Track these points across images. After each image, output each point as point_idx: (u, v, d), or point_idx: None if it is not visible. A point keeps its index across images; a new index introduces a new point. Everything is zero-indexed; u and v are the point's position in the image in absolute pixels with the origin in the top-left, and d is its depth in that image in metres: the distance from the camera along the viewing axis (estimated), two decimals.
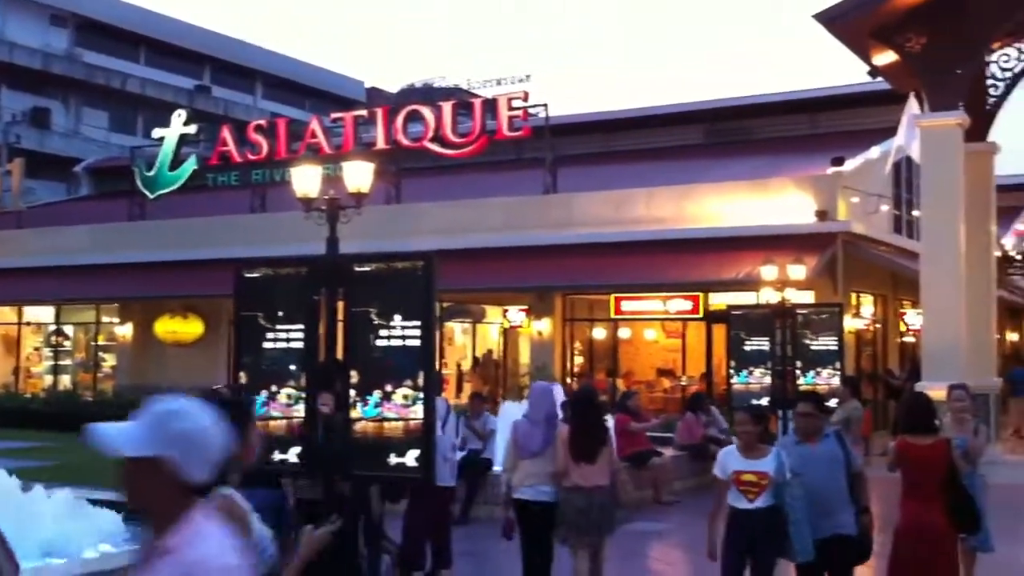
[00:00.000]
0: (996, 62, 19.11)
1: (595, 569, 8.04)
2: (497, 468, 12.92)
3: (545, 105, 23.40)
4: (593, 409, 8.48)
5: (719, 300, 20.41)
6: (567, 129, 26.28)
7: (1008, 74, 19.08)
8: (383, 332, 6.83)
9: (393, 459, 6.69)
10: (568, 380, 22.24)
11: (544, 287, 22.21)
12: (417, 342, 6.73)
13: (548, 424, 8.13)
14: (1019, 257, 31.70)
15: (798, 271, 15.35)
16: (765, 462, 6.92)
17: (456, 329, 26.71)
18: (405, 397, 6.80)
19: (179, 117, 28.19)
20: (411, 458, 6.68)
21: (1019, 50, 18.84)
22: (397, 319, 6.79)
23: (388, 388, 6.82)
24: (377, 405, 6.83)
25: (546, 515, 7.91)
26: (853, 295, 21.64)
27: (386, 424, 6.80)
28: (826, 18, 17.20)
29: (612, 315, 22.43)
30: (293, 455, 6.93)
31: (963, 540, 7.79)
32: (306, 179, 8.48)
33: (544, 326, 22.92)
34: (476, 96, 24.27)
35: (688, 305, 21.23)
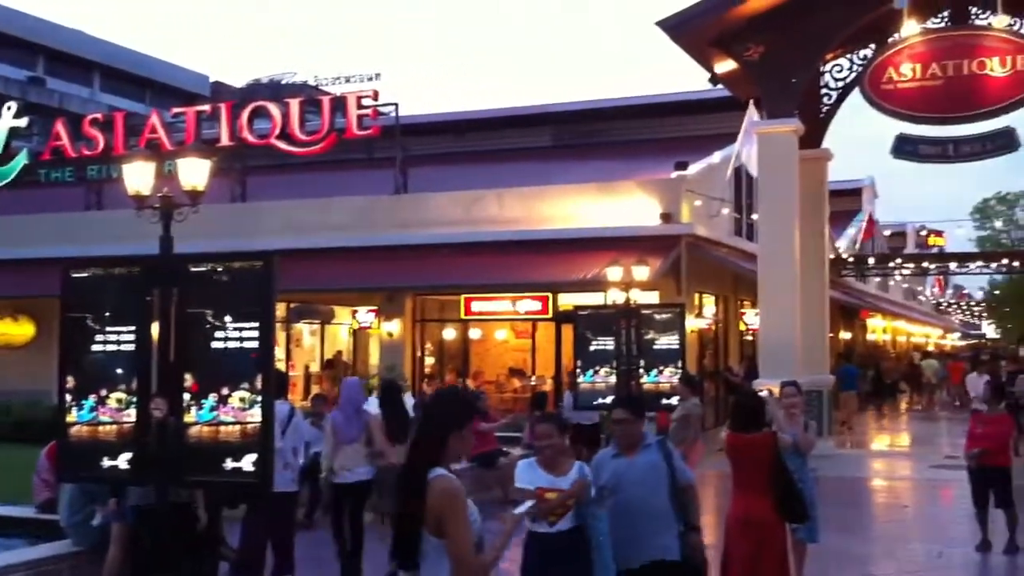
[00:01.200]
0: (830, 72, 19.96)
1: None
2: None
3: (396, 104, 23.24)
4: (399, 398, 10.51)
5: (568, 300, 20.66)
6: (418, 129, 26.18)
7: (840, 84, 19.95)
8: (219, 334, 6.66)
9: (229, 464, 6.53)
10: (420, 381, 22.15)
11: (394, 287, 22.05)
12: (255, 344, 6.58)
13: (358, 415, 9.53)
14: (851, 259, 33.24)
15: (643, 272, 15.66)
16: (568, 479, 5.85)
17: (304, 330, 26.25)
18: (242, 400, 6.63)
19: (9, 110, 26.88)
20: (248, 463, 6.52)
21: (851, 61, 19.72)
22: (234, 320, 6.63)
23: (225, 391, 6.65)
24: (213, 409, 6.64)
25: (363, 490, 9.46)
26: (696, 295, 22.24)
27: (222, 428, 6.63)
28: (668, 26, 17.63)
29: (463, 316, 22.44)
30: (124, 461, 6.69)
31: (793, 531, 8.08)
32: (138, 176, 8.16)
33: (394, 327, 22.75)
34: (325, 93, 23.88)
35: (537, 305, 21.42)
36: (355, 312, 23.82)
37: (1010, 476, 10.70)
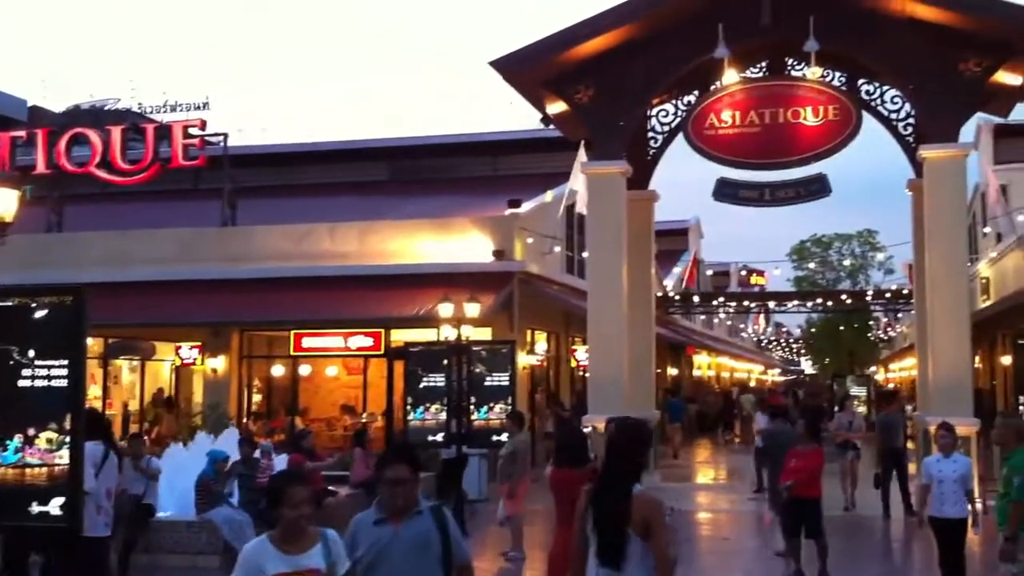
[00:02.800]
0: (656, 116, 20.58)
1: None
2: (161, 514, 12.31)
3: (224, 134, 22.75)
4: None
5: (401, 337, 20.54)
6: (248, 160, 25.64)
7: (666, 128, 20.59)
8: (25, 372, 6.37)
9: (36, 507, 6.29)
10: (244, 420, 21.53)
11: (220, 322, 21.43)
12: (64, 382, 6.32)
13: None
14: (678, 297, 34.30)
15: (474, 309, 15.74)
16: (311, 555, 4.69)
17: (123, 367, 25.16)
18: (50, 441, 6.36)
19: None
20: (55, 506, 6.26)
21: (676, 106, 20.40)
22: (41, 357, 6.37)
23: (31, 432, 6.37)
24: (18, 450, 6.37)
25: None
26: (528, 332, 22.49)
27: (28, 470, 6.36)
28: (501, 66, 17.87)
29: (292, 352, 21.95)
30: None
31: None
32: None
33: (219, 363, 22.08)
34: (150, 121, 23.14)
35: (369, 342, 21.18)
36: (178, 348, 23.02)
37: (820, 507, 11.16)
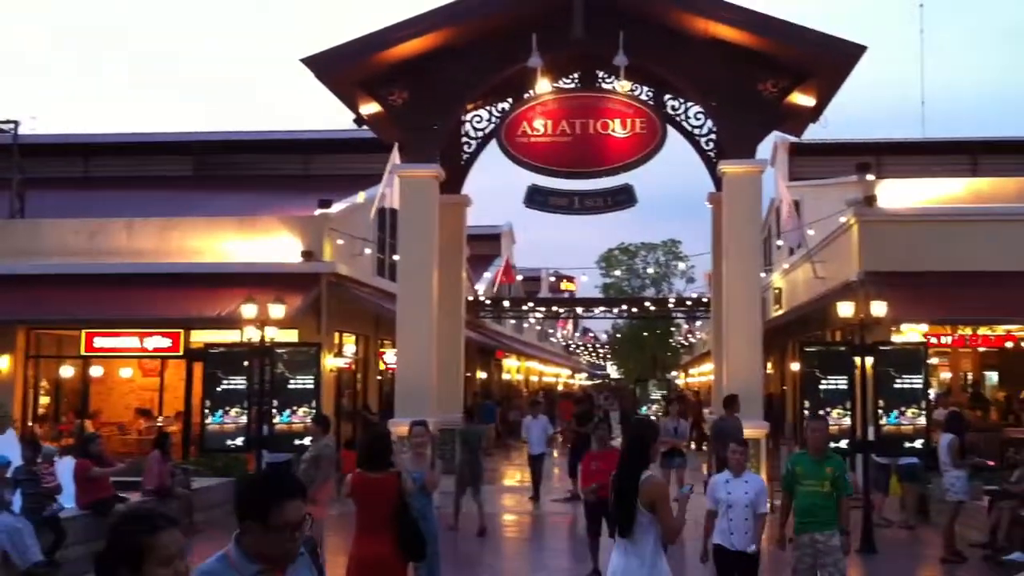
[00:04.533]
0: (470, 122, 20.68)
1: None
2: None
3: (16, 122, 21.42)
4: None
5: (203, 338, 19.81)
6: (40, 150, 24.28)
7: (480, 133, 20.71)
8: None
9: None
10: (30, 423, 20.29)
11: (4, 321, 20.11)
12: None
13: None
14: (488, 302, 34.56)
15: (279, 310, 15.32)
16: None
17: None
18: None
19: None
20: None
21: (490, 113, 20.55)
22: None
23: None
24: None
25: None
26: (337, 334, 22.12)
27: None
28: (314, 64, 17.53)
29: (83, 352, 20.77)
30: None
31: (416, 569, 8.14)
32: None
33: (3, 363, 20.73)
34: None
35: (168, 343, 20.30)
36: None
37: None
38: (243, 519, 3.36)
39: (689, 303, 35.63)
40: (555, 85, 19.38)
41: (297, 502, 3.36)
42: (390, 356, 24.33)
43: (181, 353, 20.26)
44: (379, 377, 25.56)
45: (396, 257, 21.21)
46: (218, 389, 14.14)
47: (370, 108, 19.11)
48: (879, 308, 14.81)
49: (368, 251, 23.13)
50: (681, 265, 50.58)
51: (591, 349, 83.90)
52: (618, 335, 65.62)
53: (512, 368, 48.42)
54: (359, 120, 19.71)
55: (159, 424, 20.82)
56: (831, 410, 13.60)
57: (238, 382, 14.20)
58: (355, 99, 18.96)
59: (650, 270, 51.69)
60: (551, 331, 62.85)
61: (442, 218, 18.81)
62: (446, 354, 19.14)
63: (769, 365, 30.91)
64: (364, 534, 7.51)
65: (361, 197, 22.45)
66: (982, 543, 13.09)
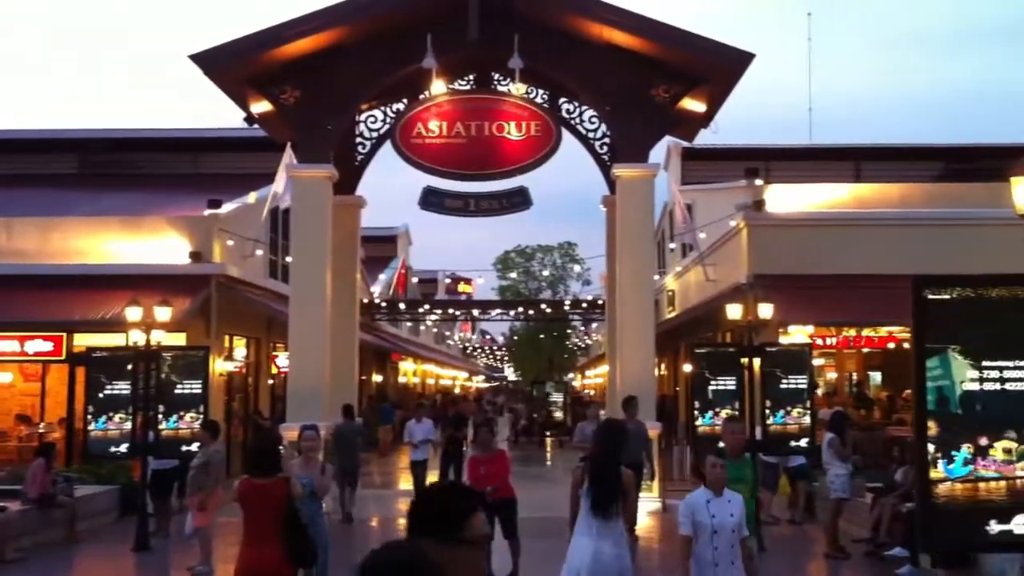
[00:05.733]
0: (365, 122, 20.47)
1: None
2: None
3: None
4: None
5: (86, 341, 19.16)
6: None
7: (375, 134, 20.53)
8: None
9: None
10: None
11: None
12: None
13: None
14: (384, 304, 34.30)
15: (166, 313, 14.91)
16: None
17: None
18: None
19: None
20: None
21: (385, 113, 20.38)
22: None
23: None
24: None
25: None
26: (227, 337, 21.66)
27: None
28: (202, 61, 17.13)
29: None
30: None
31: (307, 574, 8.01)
32: None
33: None
34: None
35: (49, 346, 19.60)
36: None
37: (516, 507, 11.40)
38: (426, 536, 3.00)
39: (585, 305, 35.92)
40: (451, 86, 19.32)
41: (482, 514, 3.16)
42: (283, 359, 23.93)
43: (63, 357, 19.58)
44: (271, 381, 25.14)
45: (289, 258, 20.91)
46: (101, 394, 13.71)
47: (261, 106, 18.77)
48: (766, 310, 15.14)
49: (260, 252, 22.72)
50: (577, 267, 51.00)
51: (489, 351, 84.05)
52: (515, 337, 65.86)
53: (409, 371, 48.18)
54: (249, 119, 19.34)
55: (40, 431, 20.09)
56: (720, 410, 13.84)
57: (122, 387, 13.79)
58: (246, 97, 18.60)
59: (546, 272, 51.98)
60: (448, 334, 62.76)
61: (336, 219, 18.58)
62: (340, 357, 18.90)
63: (662, 366, 31.38)
64: (252, 541, 7.38)
65: (252, 197, 22.05)
66: (864, 539, 13.47)
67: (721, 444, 8.40)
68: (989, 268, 6.18)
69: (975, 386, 5.23)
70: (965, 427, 5.22)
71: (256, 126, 19.85)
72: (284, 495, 7.39)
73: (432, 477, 16.83)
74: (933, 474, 5.20)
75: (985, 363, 5.24)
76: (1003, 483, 5.18)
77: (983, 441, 5.19)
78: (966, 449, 5.19)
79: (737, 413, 13.56)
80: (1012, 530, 5.17)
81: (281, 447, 10.47)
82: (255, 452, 7.96)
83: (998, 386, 5.23)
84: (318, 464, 9.04)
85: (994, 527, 4.97)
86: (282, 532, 7.24)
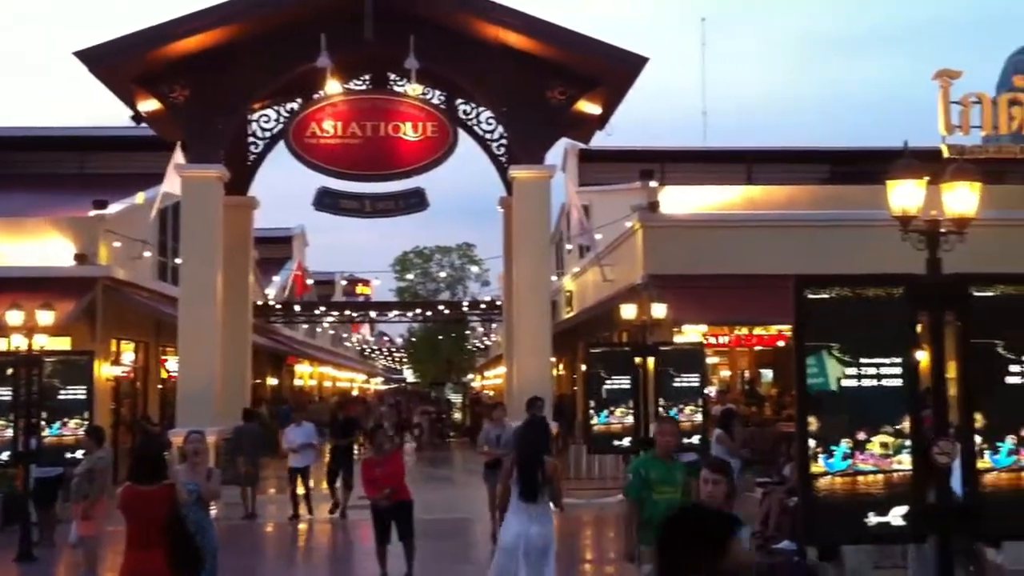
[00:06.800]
0: (257, 122, 20.17)
1: None
2: None
3: None
4: None
5: None
6: None
7: (268, 134, 20.25)
8: None
9: None
10: None
11: None
12: None
13: None
14: (279, 306, 33.80)
15: (48, 316, 14.40)
16: None
17: None
18: None
19: None
20: None
21: (279, 113, 20.11)
22: None
23: None
24: None
25: None
26: (114, 342, 21.07)
27: None
28: (87, 58, 16.67)
29: None
30: None
31: None
32: None
33: None
34: None
35: None
36: None
37: (412, 510, 11.33)
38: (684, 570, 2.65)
39: (483, 306, 35.98)
40: (346, 86, 19.16)
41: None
42: (173, 364, 23.39)
43: None
44: (161, 386, 24.52)
45: (178, 260, 20.45)
46: None
47: (150, 105, 18.36)
48: (659, 310, 15.36)
49: (148, 254, 22.14)
50: (475, 268, 51.07)
51: (387, 353, 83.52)
52: (413, 339, 65.59)
53: (305, 374, 47.56)
54: (137, 118, 18.87)
55: None
56: (615, 409, 13.98)
57: (3, 393, 13.26)
58: (133, 95, 18.16)
59: (443, 274, 51.92)
60: (345, 335, 62.17)
61: (228, 220, 18.25)
62: (232, 361, 18.57)
63: (560, 366, 31.59)
64: (135, 550, 7.21)
65: (141, 198, 21.46)
66: (754, 532, 13.76)
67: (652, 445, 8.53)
68: (870, 268, 6.35)
69: (853, 382, 5.38)
70: (844, 423, 5.36)
71: (144, 125, 19.39)
72: (169, 502, 7.23)
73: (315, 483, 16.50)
74: (814, 468, 5.32)
75: (863, 360, 5.39)
76: (880, 476, 5.32)
77: (861, 436, 5.33)
78: (845, 444, 5.32)
79: (668, 413, 13.58)
80: (890, 522, 5.32)
81: (167, 453, 10.22)
82: (137, 459, 7.77)
83: (875, 382, 5.38)
84: (205, 469, 8.83)
85: (872, 519, 5.10)
86: (167, 539, 7.08)
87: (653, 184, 21.81)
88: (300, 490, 16.47)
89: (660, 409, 13.97)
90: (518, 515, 8.54)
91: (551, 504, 8.75)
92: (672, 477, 7.82)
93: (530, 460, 8.59)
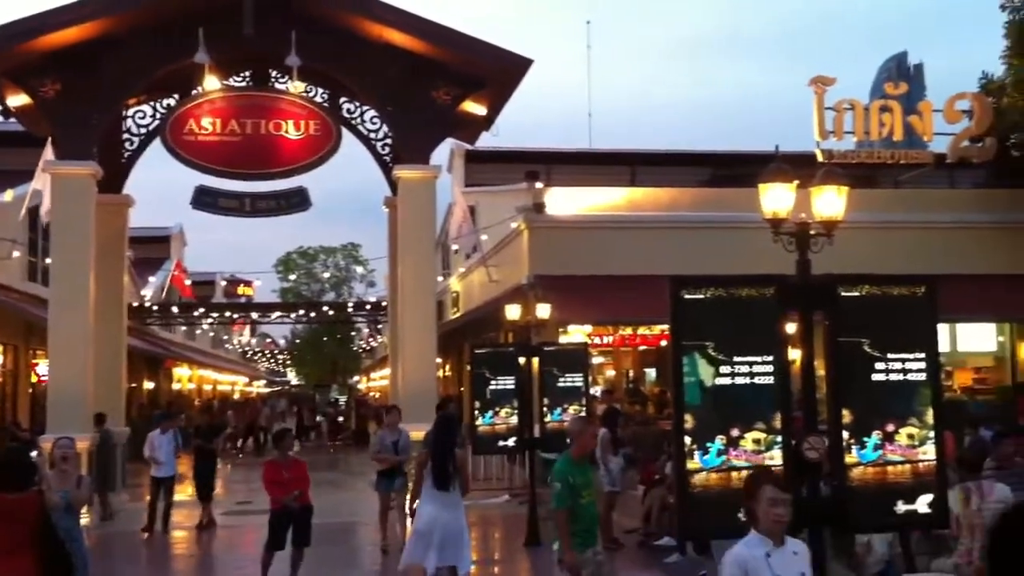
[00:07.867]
0: (133, 118, 19.55)
1: None
2: None
3: None
4: None
5: None
6: None
7: (144, 130, 19.64)
8: None
9: None
10: None
11: None
12: None
13: None
14: (156, 308, 32.90)
15: None
16: None
17: None
18: None
19: None
20: None
21: (155, 109, 19.54)
22: None
23: None
24: None
25: None
26: None
27: None
28: None
29: None
30: None
31: None
32: None
33: None
34: None
35: None
36: None
37: (311, 516, 11.14)
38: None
39: (369, 307, 35.69)
40: (225, 83, 18.73)
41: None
42: (43, 367, 22.57)
43: None
44: (31, 390, 23.64)
45: (49, 260, 19.72)
46: None
47: (18, 99, 17.64)
48: (543, 310, 15.46)
49: (17, 254, 21.32)
50: (360, 269, 50.60)
51: (270, 355, 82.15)
52: (297, 340, 64.67)
53: (184, 377, 46.45)
54: (5, 112, 18.13)
55: None
56: (499, 409, 14.01)
57: None
58: (1, 89, 17.42)
59: (327, 275, 51.33)
60: (226, 337, 60.92)
61: (101, 219, 17.66)
62: (106, 364, 17.97)
63: (447, 367, 31.55)
64: (1, 559, 6.90)
65: (9, 195, 20.67)
66: (636, 529, 13.97)
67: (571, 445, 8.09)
68: (747, 269, 6.51)
69: (728, 380, 5.50)
70: (719, 419, 5.47)
71: (12, 120, 18.63)
72: (36, 510, 6.96)
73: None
74: (690, 465, 5.42)
75: (736, 358, 5.51)
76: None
77: (735, 432, 5.45)
78: (720, 440, 5.43)
79: (584, 413, 13.63)
80: None
81: (34, 458, 9.82)
82: (1, 465, 7.45)
83: (748, 380, 5.51)
84: (74, 476, 8.54)
85: (744, 514, 5.22)
86: (35, 548, 6.83)
87: (539, 185, 21.96)
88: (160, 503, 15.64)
89: (544, 409, 14.05)
90: (432, 503, 9.24)
91: (459, 492, 9.47)
92: (590, 480, 7.85)
93: (442, 451, 9.35)
